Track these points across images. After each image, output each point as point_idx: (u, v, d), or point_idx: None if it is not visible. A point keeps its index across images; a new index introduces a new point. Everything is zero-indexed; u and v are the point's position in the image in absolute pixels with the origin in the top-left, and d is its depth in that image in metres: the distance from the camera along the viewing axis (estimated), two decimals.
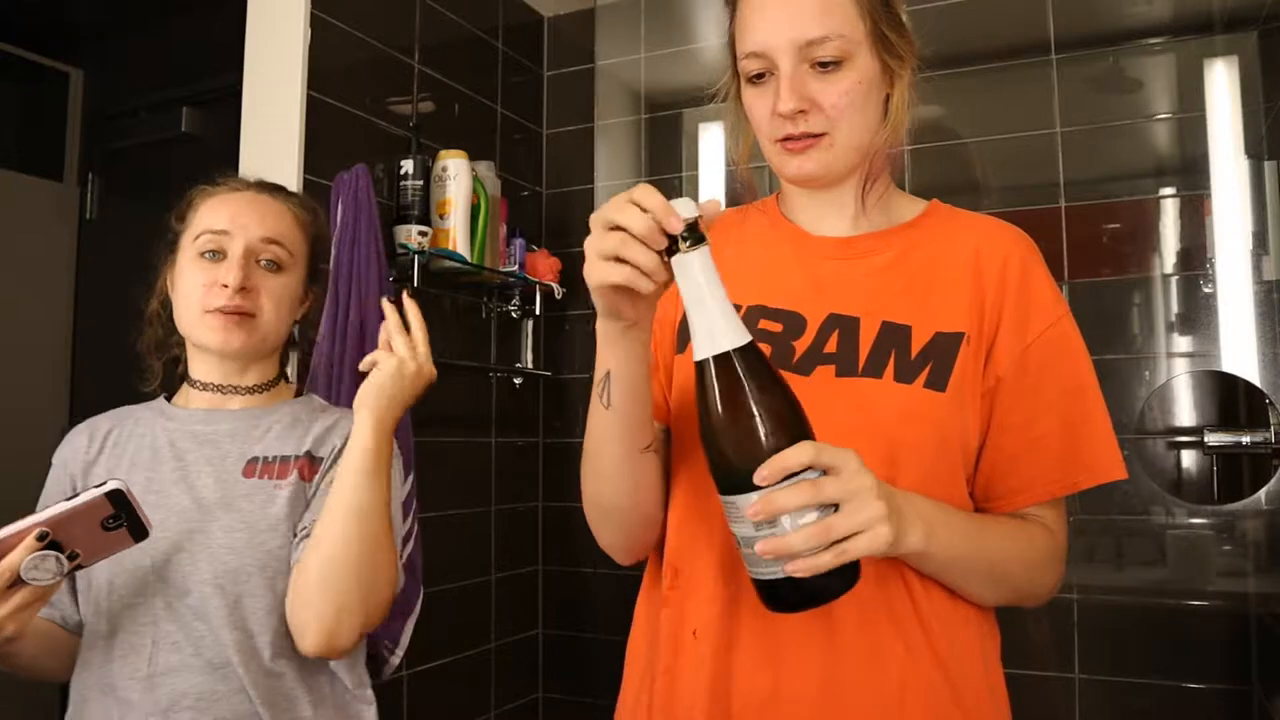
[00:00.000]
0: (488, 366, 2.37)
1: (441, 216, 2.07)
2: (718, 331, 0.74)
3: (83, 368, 2.73)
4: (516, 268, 2.33)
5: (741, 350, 0.74)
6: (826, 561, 0.72)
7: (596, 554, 0.99)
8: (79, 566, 0.94)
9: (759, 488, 0.72)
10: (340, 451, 1.15)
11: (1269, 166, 1.95)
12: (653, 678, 0.92)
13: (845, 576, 0.75)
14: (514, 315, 2.46)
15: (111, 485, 0.91)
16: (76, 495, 0.91)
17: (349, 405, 1.71)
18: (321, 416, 1.22)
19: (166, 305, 1.23)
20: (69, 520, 0.90)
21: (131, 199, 2.71)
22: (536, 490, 2.54)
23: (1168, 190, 2.07)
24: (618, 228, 0.75)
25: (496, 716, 2.33)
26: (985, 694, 0.91)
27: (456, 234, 2.07)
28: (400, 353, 1.14)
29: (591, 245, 0.77)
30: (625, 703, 0.98)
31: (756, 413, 0.73)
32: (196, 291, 1.15)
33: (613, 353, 0.84)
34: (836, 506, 0.73)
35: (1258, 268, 1.97)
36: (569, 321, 2.55)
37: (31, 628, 0.99)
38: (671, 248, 0.74)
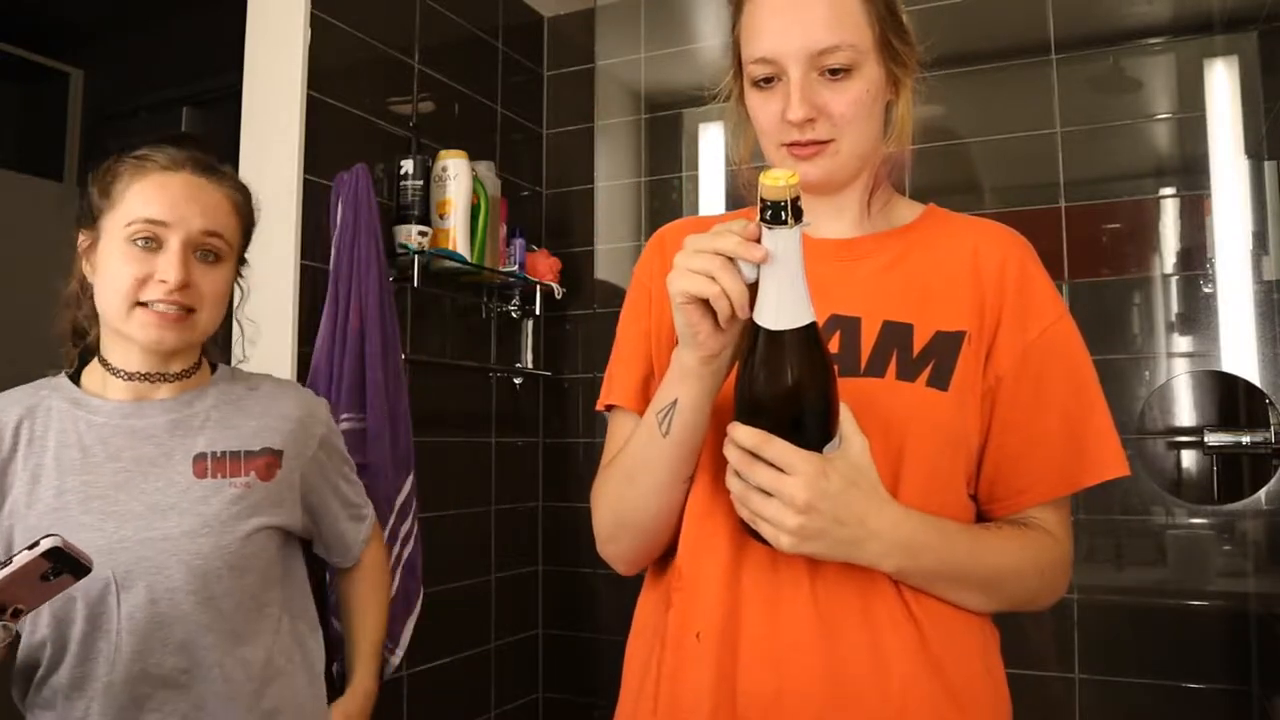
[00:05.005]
0: (488, 366, 2.37)
1: (441, 216, 2.07)
2: (784, 308, 0.76)
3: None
4: (516, 268, 2.33)
5: (796, 331, 0.76)
6: (745, 515, 0.80)
7: (597, 554, 0.99)
8: (24, 614, 0.93)
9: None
10: (319, 444, 1.25)
11: (1269, 166, 1.95)
12: (656, 680, 0.91)
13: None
14: (514, 315, 2.46)
15: (47, 544, 0.88)
16: (11, 560, 0.88)
17: (348, 407, 1.74)
18: (253, 395, 1.21)
19: (87, 287, 1.17)
20: (8, 584, 0.88)
21: None
22: (536, 490, 2.54)
23: (1168, 190, 2.06)
24: (716, 253, 0.76)
25: (496, 716, 2.33)
26: (986, 695, 0.90)
27: (456, 234, 2.07)
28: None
29: (683, 259, 0.78)
30: (626, 704, 0.97)
31: (768, 390, 0.77)
32: (127, 282, 1.08)
33: (686, 385, 0.84)
34: None
35: (1258, 268, 1.96)
36: (569, 321, 2.55)
37: None
38: (762, 218, 0.75)
